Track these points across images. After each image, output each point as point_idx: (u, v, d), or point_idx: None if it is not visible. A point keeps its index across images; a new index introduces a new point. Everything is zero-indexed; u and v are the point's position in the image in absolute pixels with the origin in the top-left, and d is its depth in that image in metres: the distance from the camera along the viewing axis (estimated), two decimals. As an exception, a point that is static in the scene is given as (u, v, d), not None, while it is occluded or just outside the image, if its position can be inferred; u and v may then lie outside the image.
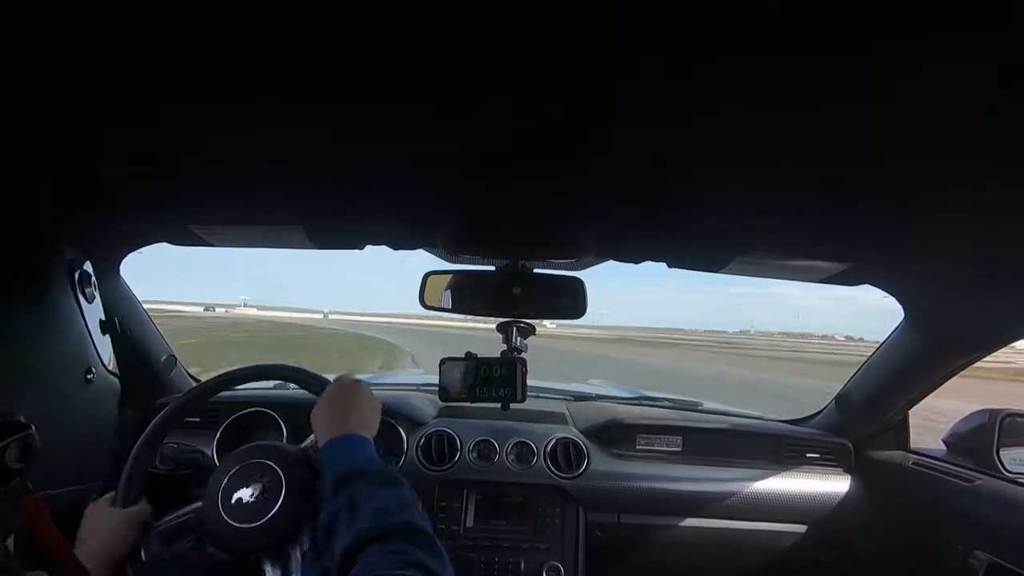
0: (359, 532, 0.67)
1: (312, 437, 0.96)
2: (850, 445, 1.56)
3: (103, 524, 0.90)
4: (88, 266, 0.70)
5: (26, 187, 0.75)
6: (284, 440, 1.32)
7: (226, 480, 0.93)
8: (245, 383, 1.10)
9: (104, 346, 0.71)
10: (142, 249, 1.23)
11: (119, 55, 0.46)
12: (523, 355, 1.32)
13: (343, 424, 0.87)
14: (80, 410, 0.65)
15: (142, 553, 0.92)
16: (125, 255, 1.23)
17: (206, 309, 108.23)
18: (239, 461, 0.95)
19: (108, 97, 0.54)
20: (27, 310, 0.60)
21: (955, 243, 0.86)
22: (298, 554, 0.91)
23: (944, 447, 1.45)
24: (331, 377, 1.02)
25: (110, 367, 0.71)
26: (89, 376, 0.66)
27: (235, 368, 1.11)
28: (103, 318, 0.73)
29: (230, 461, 0.96)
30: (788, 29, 0.40)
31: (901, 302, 1.22)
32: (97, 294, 0.71)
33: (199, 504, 0.94)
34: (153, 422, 1.02)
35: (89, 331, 0.68)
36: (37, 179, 0.76)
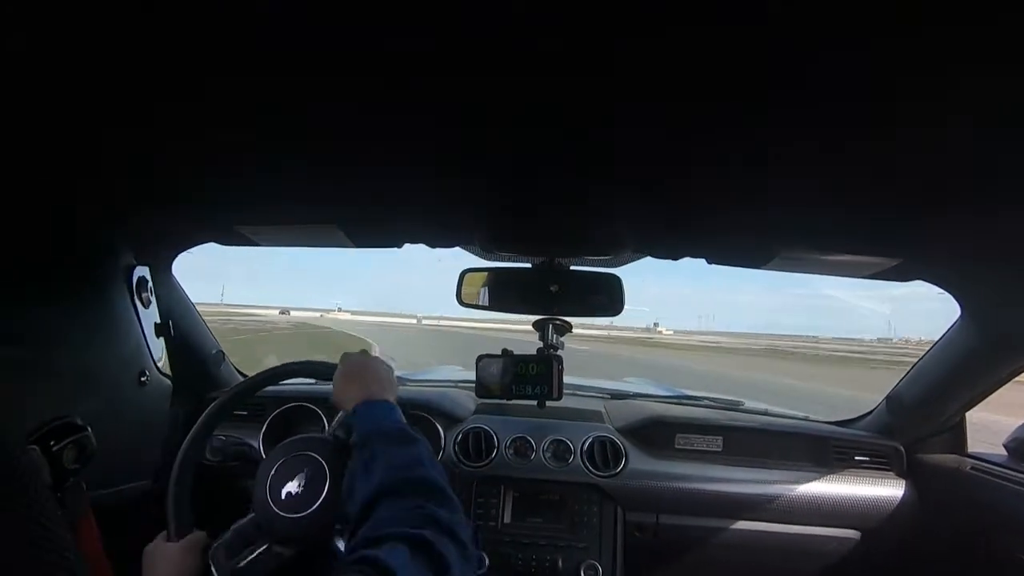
0: (371, 488, 0.68)
1: (336, 419, 0.98)
2: (901, 448, 1.50)
3: (163, 562, 0.90)
4: (146, 272, 0.73)
5: (82, 192, 0.79)
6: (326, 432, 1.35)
7: (273, 473, 0.96)
8: (259, 389, 1.11)
9: (157, 348, 0.74)
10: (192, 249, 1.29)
11: (173, 65, 0.48)
12: (559, 352, 1.31)
13: (363, 391, 0.89)
14: (134, 412, 0.68)
15: (213, 572, 0.95)
16: (176, 255, 1.29)
17: (281, 312, 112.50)
18: (284, 454, 0.98)
19: (161, 103, 0.57)
20: (85, 315, 0.64)
21: (1015, 235, 0.82)
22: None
23: (1004, 452, 1.38)
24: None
25: (161, 367, 0.74)
26: (143, 379, 0.69)
27: (249, 377, 1.14)
28: (158, 321, 0.76)
29: (275, 454, 0.99)
30: (833, 20, 0.38)
31: (957, 298, 1.17)
32: (153, 299, 0.74)
33: (251, 515, 0.97)
34: (176, 463, 1.03)
35: (144, 335, 0.71)
36: (92, 183, 0.80)
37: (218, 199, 0.94)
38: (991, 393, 1.32)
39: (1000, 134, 0.54)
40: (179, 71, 0.50)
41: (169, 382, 0.74)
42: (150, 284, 0.73)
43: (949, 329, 1.29)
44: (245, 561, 0.93)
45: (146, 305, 0.72)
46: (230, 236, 1.11)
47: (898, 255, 0.96)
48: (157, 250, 1.18)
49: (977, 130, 0.54)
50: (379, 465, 0.71)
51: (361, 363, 0.96)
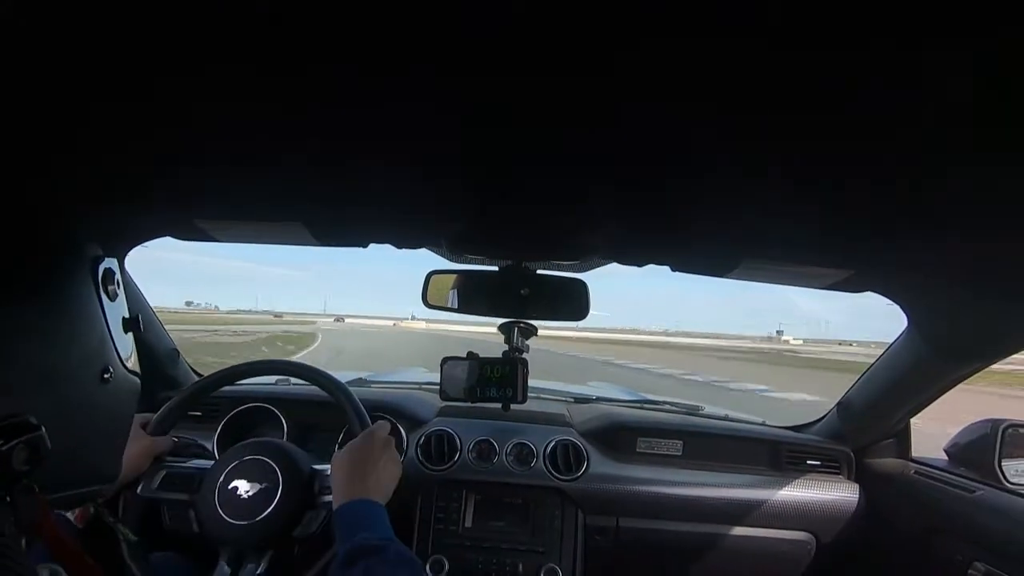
0: None
1: (328, 468, 0.96)
2: (851, 453, 1.56)
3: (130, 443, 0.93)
4: (114, 264, 0.70)
5: (37, 185, 0.76)
6: (284, 436, 1.32)
7: (229, 468, 0.94)
8: (299, 379, 1.12)
9: (124, 344, 0.71)
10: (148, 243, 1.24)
11: (126, 57, 0.46)
12: (524, 355, 1.32)
13: (362, 486, 0.87)
14: (96, 410, 0.64)
15: (139, 486, 0.94)
16: (130, 249, 1.24)
17: (336, 320, 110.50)
18: (249, 452, 0.96)
19: (115, 95, 0.55)
20: (45, 308, 0.60)
21: (957, 251, 0.86)
22: (257, 569, 0.91)
23: (945, 456, 1.45)
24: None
25: (130, 365, 0.71)
26: (106, 376, 0.65)
27: (290, 360, 1.14)
28: (127, 315, 0.72)
29: (240, 450, 0.97)
30: (793, 35, 0.39)
31: (904, 309, 1.22)
32: (120, 292, 0.70)
33: (213, 463, 0.96)
34: (215, 373, 1.06)
35: (109, 329, 0.68)
36: (47, 177, 0.77)
37: (179, 194, 0.91)
38: (933, 400, 1.39)
39: (960, 153, 0.56)
40: (143, 66, 0.48)
41: (137, 380, 0.71)
42: (117, 276, 0.69)
43: (896, 339, 1.35)
44: (161, 498, 0.97)
45: (112, 298, 0.69)
46: (188, 231, 1.07)
47: (851, 267, 1.00)
48: (113, 244, 1.14)
49: (938, 148, 0.56)
50: None
51: (373, 453, 0.93)
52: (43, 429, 0.53)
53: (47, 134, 0.64)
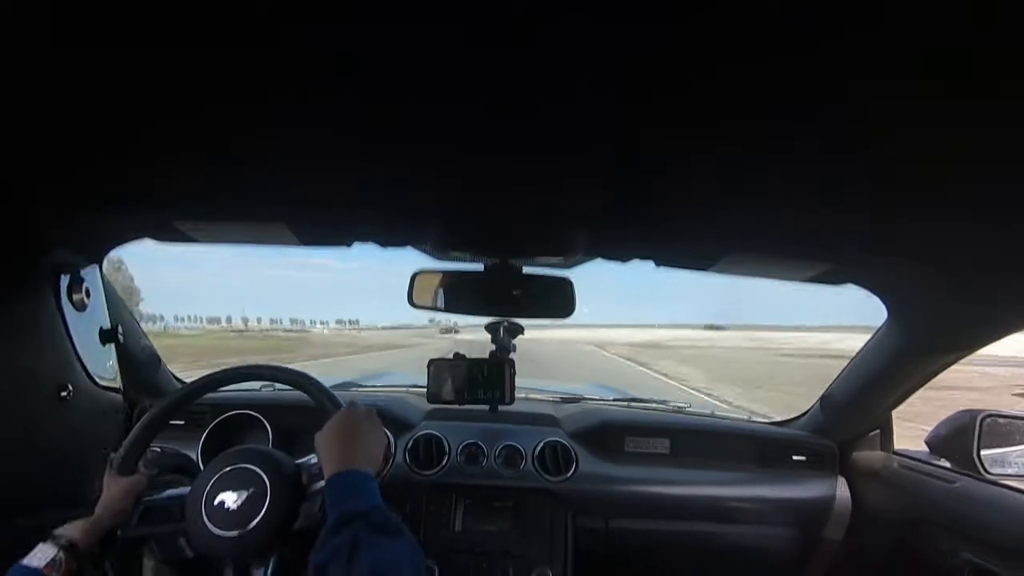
0: None
1: (312, 457, 0.94)
2: (835, 447, 1.58)
3: (104, 490, 0.92)
4: (83, 272, 0.65)
5: (12, 187, 0.73)
6: (270, 443, 1.30)
7: (211, 483, 0.92)
8: (262, 380, 1.09)
9: (99, 357, 0.66)
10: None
11: (106, 52, 0.45)
12: (511, 355, 1.31)
13: (350, 457, 0.85)
14: (54, 431, 0.60)
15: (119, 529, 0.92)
16: (107, 253, 1.21)
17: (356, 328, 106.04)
18: (229, 463, 0.93)
19: (91, 92, 0.54)
20: None
21: (934, 243, 0.88)
22: (266, 571, 0.90)
23: (927, 448, 1.47)
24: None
25: (106, 379, 0.65)
26: (64, 394, 0.60)
27: (252, 364, 1.11)
28: (105, 326, 0.68)
29: (219, 463, 0.94)
30: (776, 32, 0.40)
31: (884, 301, 1.24)
32: (91, 301, 0.66)
33: (192, 485, 0.93)
34: (165, 400, 1.03)
35: (72, 343, 0.63)
36: (23, 180, 0.74)
37: (157, 194, 0.89)
38: (915, 391, 1.41)
39: (933, 144, 0.57)
40: (123, 58, 0.47)
41: (115, 395, 0.66)
42: (86, 286, 0.64)
43: (877, 331, 1.37)
44: (147, 534, 0.93)
45: (80, 308, 0.64)
46: (167, 232, 1.05)
47: (830, 259, 1.02)
48: (87, 249, 1.11)
49: (907, 142, 0.57)
50: (364, 556, 0.68)
51: (356, 424, 0.92)
52: None
53: (19, 137, 0.61)
